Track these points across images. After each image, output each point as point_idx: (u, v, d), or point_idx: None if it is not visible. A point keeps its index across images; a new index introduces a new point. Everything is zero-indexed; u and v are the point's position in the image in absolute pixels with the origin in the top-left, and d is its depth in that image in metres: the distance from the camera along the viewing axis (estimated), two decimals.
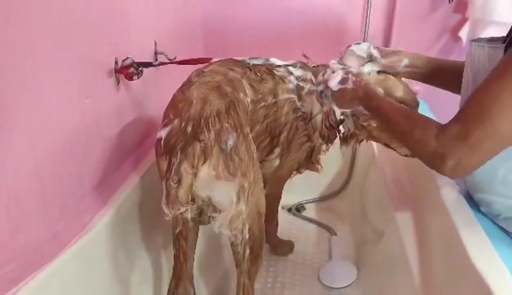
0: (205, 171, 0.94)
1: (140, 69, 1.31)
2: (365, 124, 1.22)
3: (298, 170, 1.39)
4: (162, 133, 1.00)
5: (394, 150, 1.27)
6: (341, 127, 1.25)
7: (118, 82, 1.29)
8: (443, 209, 1.12)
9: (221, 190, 0.97)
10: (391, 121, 1.08)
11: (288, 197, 1.76)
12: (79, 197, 1.14)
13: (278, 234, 1.60)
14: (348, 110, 1.23)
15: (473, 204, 1.13)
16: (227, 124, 0.97)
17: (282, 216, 1.72)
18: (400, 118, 1.05)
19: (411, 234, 1.25)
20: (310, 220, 1.85)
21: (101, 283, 1.09)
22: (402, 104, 1.13)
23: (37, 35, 0.93)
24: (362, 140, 1.31)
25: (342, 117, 1.24)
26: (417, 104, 1.27)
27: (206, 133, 0.95)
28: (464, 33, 1.95)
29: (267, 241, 1.54)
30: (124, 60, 1.28)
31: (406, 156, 1.24)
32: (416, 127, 0.99)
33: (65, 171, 1.07)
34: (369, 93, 1.16)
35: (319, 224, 1.83)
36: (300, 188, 1.83)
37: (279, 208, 1.56)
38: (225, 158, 0.95)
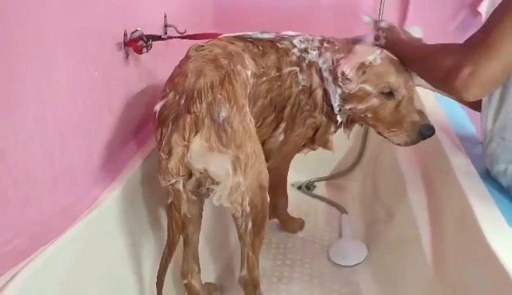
0: (197, 142, 0.94)
1: (149, 42, 1.29)
2: (362, 115, 1.22)
3: (305, 147, 1.37)
4: (158, 106, 1.02)
5: (387, 139, 1.23)
6: (338, 117, 1.24)
7: (127, 56, 1.27)
8: (457, 187, 1.10)
9: (216, 161, 0.97)
10: (415, 58, 1.14)
11: (299, 175, 1.75)
12: (88, 171, 1.13)
13: (288, 211, 1.59)
14: (340, 105, 1.22)
15: (491, 182, 1.11)
16: (220, 96, 0.97)
17: (292, 194, 1.71)
18: (423, 51, 1.12)
19: (423, 213, 1.23)
20: (320, 198, 1.84)
21: (109, 257, 1.09)
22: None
23: (46, 8, 0.90)
24: (362, 124, 1.33)
25: (338, 109, 1.22)
26: None
27: (198, 105, 0.95)
28: (483, 8, 1.88)
29: (277, 218, 1.56)
30: (133, 32, 1.25)
31: (399, 145, 1.21)
32: (436, 51, 1.04)
33: (74, 145, 1.06)
34: (397, 45, 1.21)
35: (329, 202, 1.81)
36: (310, 166, 1.81)
37: (289, 186, 1.54)
38: (217, 129, 0.95)
